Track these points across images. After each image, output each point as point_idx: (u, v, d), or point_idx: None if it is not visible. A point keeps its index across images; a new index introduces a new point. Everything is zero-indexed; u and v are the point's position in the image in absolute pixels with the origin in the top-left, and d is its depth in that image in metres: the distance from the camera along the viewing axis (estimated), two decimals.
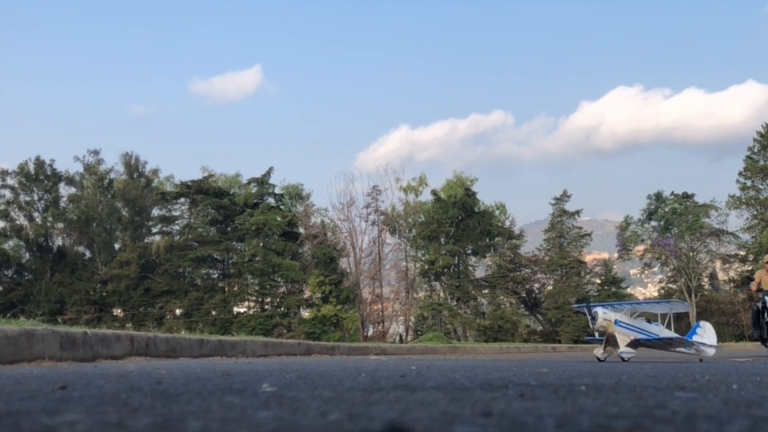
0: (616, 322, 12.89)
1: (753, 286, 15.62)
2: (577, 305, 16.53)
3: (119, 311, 60.71)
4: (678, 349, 14.04)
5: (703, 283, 62.02)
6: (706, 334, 14.26)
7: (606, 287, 61.96)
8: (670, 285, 62.38)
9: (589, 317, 13.39)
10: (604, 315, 12.92)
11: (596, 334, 13.37)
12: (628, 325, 13.06)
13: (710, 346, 14.00)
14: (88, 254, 64.01)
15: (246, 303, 61.71)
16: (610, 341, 13.01)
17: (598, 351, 13.07)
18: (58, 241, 63.72)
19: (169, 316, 58.86)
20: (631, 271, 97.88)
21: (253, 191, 62.01)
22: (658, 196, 62.34)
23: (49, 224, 62.85)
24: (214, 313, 58.62)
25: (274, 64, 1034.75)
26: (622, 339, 12.82)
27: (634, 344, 12.96)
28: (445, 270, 60.84)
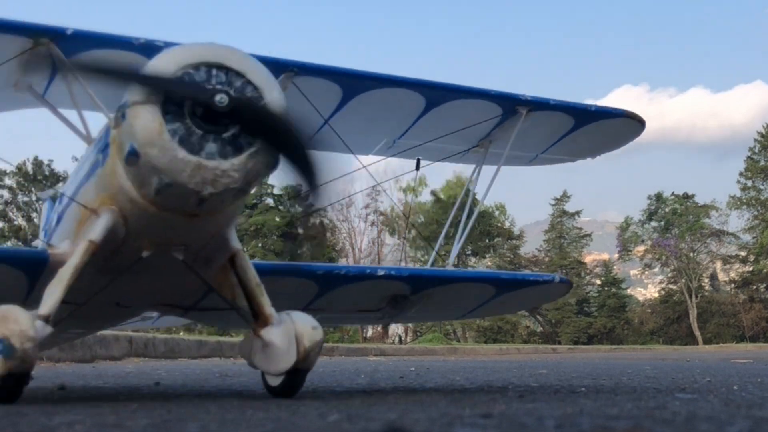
0: None
1: None
2: None
3: None
4: None
5: (703, 284, 61.86)
6: None
7: (606, 288, 61.90)
8: (671, 286, 62.27)
9: None
10: None
11: None
12: None
13: None
14: None
15: None
16: None
17: None
18: None
19: None
20: (632, 272, 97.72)
21: (252, 191, 62.04)
22: (659, 197, 62.25)
23: None
24: None
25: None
26: None
27: None
28: None
